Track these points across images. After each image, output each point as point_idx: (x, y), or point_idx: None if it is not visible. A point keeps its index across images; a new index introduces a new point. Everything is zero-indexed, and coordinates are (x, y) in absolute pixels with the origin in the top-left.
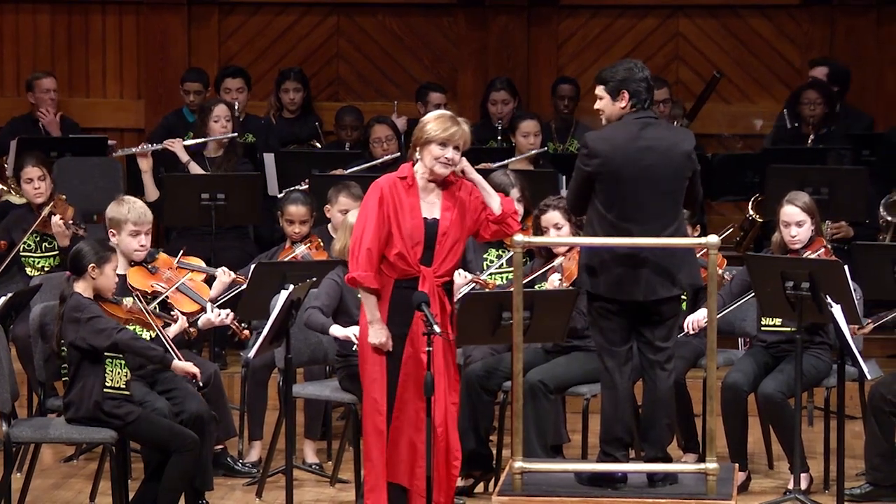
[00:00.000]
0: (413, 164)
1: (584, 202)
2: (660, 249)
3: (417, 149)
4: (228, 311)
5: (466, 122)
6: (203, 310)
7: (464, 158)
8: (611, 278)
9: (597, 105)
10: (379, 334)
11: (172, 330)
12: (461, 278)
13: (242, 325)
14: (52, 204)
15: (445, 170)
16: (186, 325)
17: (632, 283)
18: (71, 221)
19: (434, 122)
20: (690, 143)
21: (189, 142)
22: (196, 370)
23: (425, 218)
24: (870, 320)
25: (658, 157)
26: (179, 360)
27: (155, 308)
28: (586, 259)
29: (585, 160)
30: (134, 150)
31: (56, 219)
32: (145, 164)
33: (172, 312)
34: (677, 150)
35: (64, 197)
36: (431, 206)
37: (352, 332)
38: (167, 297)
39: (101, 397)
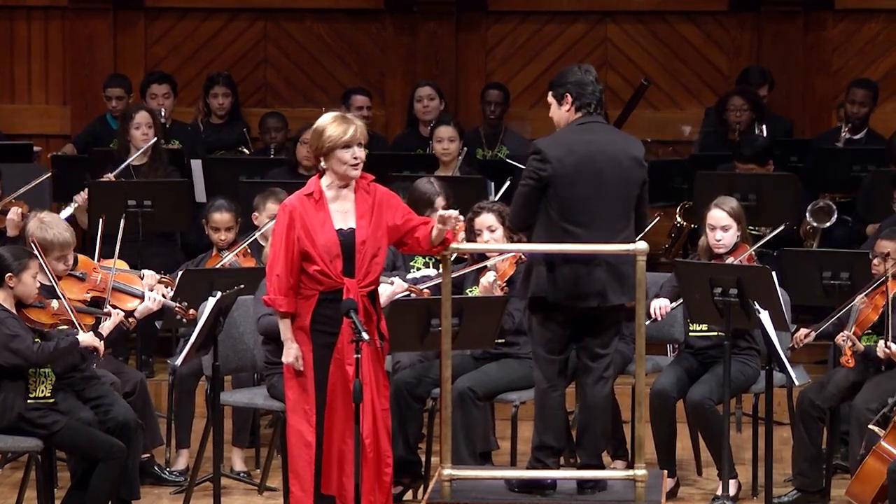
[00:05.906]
0: (319, 177)
1: (531, 215)
2: (614, 256)
3: (321, 159)
4: (160, 292)
5: (357, 118)
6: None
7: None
8: (564, 284)
9: (550, 113)
10: (288, 354)
11: (108, 324)
12: (399, 287)
13: (183, 303)
14: (4, 202)
15: (357, 171)
16: (122, 316)
17: (586, 288)
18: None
19: (329, 127)
20: (640, 149)
21: (114, 173)
22: (98, 343)
23: (340, 229)
24: (811, 330)
25: (609, 162)
26: (85, 332)
27: (82, 305)
28: (534, 265)
29: (539, 165)
30: (76, 201)
31: (15, 208)
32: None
33: (106, 308)
34: (627, 154)
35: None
36: (345, 215)
37: None
38: (109, 300)
39: (23, 409)
